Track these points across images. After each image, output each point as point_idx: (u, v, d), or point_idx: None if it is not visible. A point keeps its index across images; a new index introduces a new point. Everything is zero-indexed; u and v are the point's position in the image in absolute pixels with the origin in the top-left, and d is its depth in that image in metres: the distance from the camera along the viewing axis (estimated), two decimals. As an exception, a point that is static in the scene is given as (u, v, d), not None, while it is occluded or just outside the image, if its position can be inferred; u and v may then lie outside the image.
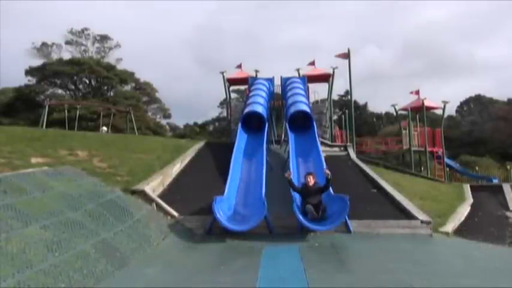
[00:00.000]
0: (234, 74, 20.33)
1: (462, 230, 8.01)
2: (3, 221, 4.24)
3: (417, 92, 22.08)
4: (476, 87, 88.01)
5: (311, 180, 7.32)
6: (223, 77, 19.72)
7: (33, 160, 7.89)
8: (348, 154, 13.32)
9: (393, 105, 22.19)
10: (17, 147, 8.71)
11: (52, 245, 4.27)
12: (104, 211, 5.87)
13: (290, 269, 4.86)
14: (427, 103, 21.44)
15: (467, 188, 14.00)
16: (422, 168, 21.67)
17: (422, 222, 7.07)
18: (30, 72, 41.11)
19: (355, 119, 21.27)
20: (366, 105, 53.15)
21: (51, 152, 8.96)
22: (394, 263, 5.23)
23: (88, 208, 5.72)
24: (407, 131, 21.26)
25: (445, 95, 78.41)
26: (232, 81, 20.42)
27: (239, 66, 20.66)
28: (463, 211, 9.77)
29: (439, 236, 7.08)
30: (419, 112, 22.36)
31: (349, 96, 24.54)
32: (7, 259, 3.65)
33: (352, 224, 6.95)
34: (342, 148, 14.25)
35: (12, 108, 39.56)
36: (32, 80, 41.71)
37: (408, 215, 7.43)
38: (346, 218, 6.74)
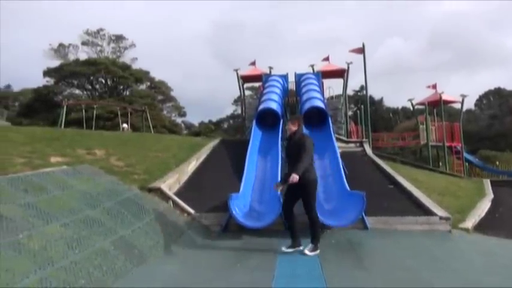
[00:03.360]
0: (248, 71, 20.35)
1: (482, 226, 7.83)
2: (24, 219, 4.34)
3: (434, 86, 21.73)
4: (497, 80, 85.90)
5: (291, 128, 5.64)
6: (237, 74, 19.77)
7: (53, 159, 8.05)
8: (364, 150, 13.18)
9: (410, 100, 21.89)
10: (37, 147, 8.89)
11: (72, 243, 4.35)
12: (122, 209, 5.95)
13: (307, 266, 4.84)
14: (444, 97, 21.09)
15: (487, 183, 13.69)
16: (440, 164, 21.33)
17: (441, 218, 6.94)
18: (48, 73, 41.98)
19: (370, 114, 21.09)
20: (381, 100, 52.53)
21: (69, 151, 9.13)
22: (412, 260, 5.17)
23: (106, 206, 5.80)
24: (424, 125, 20.93)
25: (472, 88, 75.69)
26: (246, 79, 20.44)
27: (253, 63, 20.66)
28: (484, 207, 9.55)
29: (458, 232, 6.95)
30: (437, 106, 21.99)
31: (364, 92, 24.30)
32: (29, 256, 3.73)
33: (369, 221, 6.88)
34: (358, 144, 14.11)
35: (31, 109, 40.51)
36: (50, 81, 42.62)
37: (426, 211, 7.31)
38: (363, 214, 6.68)
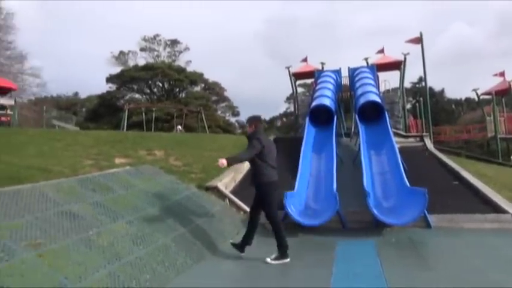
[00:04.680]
0: (300, 68, 20.17)
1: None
2: (94, 217, 4.65)
3: (502, 74, 20.17)
4: None
5: (248, 130, 5.39)
6: (289, 72, 19.68)
7: (117, 161, 8.54)
8: (425, 144, 12.58)
9: (474, 90, 20.51)
10: (103, 149, 9.48)
11: (136, 239, 4.59)
12: (181, 207, 6.18)
13: (366, 265, 4.71)
14: (514, 85, 19.49)
15: None
16: (511, 157, 19.76)
17: (513, 215, 6.45)
18: (110, 79, 44.65)
19: (431, 106, 20.03)
20: (442, 91, 49.67)
21: (132, 152, 9.63)
22: (480, 260, 4.84)
23: (166, 204, 6.05)
24: (491, 117, 19.50)
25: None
26: (298, 76, 20.28)
27: (305, 60, 20.44)
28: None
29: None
30: (505, 96, 20.39)
31: (423, 83, 23.14)
32: (99, 252, 3.99)
33: (432, 219, 6.55)
34: (418, 138, 13.49)
35: (97, 114, 43.32)
36: (112, 87, 45.29)
37: (496, 208, 6.82)
38: (425, 212, 6.37)
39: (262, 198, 5.05)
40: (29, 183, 5.00)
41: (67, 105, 49.06)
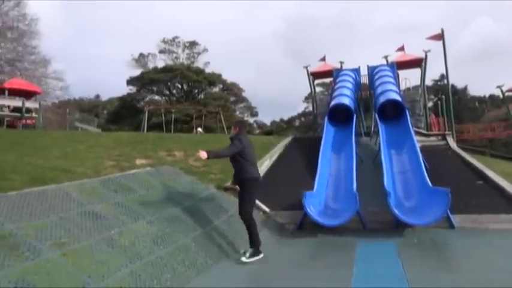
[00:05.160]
0: (318, 67, 20.05)
1: None
2: (116, 217, 4.74)
3: (528, 70, 19.53)
4: None
5: (232, 132, 5.68)
6: (307, 71, 19.59)
7: (138, 161, 8.66)
8: (447, 143, 12.29)
9: (499, 87, 19.97)
10: (124, 151, 9.64)
11: (157, 239, 4.65)
12: (201, 207, 6.23)
13: (387, 266, 4.65)
14: (541, 81, 18.85)
15: None
16: (538, 156, 19.13)
17: (541, 216, 6.24)
18: (130, 81, 45.44)
19: (453, 104, 19.58)
20: (465, 88, 48.52)
21: (152, 153, 9.76)
22: (506, 261, 4.69)
23: (186, 204, 6.11)
24: (517, 114, 18.94)
25: None
26: (316, 75, 20.16)
27: (323, 59, 20.30)
28: None
29: None
30: (531, 92, 19.77)
31: (445, 81, 22.64)
32: (121, 251, 4.06)
33: (456, 219, 6.41)
34: (440, 137, 13.20)
35: (118, 116, 44.16)
36: (132, 89, 46.09)
37: (523, 209, 6.61)
38: (449, 212, 6.23)
39: (242, 194, 5.28)
40: (54, 184, 5.13)
41: (89, 108, 50.18)
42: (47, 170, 6.63)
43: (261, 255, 5.01)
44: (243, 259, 4.92)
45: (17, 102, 21.98)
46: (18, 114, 21.62)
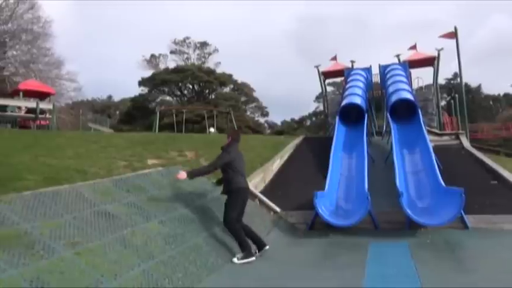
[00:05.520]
0: (329, 67, 19.95)
1: None
2: (128, 216, 4.78)
3: (544, 68, 19.15)
4: None
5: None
6: (318, 71, 19.52)
7: (150, 162, 8.73)
8: (461, 143, 12.15)
9: (513, 85, 19.54)
10: (136, 151, 9.72)
11: (169, 239, 4.68)
12: (212, 207, 6.24)
13: (400, 267, 4.60)
14: (558, 79, 18.45)
15: None
16: (555, 155, 18.76)
17: (558, 217, 6.12)
18: (142, 82, 45.81)
19: (467, 103, 19.30)
20: (479, 87, 47.77)
21: (163, 153, 9.82)
22: (524, 263, 4.62)
23: (197, 204, 6.13)
24: (533, 113, 18.57)
25: None
26: (327, 75, 20.07)
27: (334, 59, 20.19)
28: None
29: None
30: (548, 90, 19.36)
31: (458, 79, 22.33)
32: (133, 251, 4.10)
33: (470, 220, 6.32)
34: (453, 136, 13.04)
35: (130, 116, 44.58)
36: (144, 90, 46.43)
37: (539, 209, 6.49)
38: (462, 212, 6.15)
39: (228, 202, 5.31)
40: (67, 184, 5.20)
41: (102, 108, 50.78)
42: (61, 170, 6.72)
43: (253, 258, 5.02)
44: (234, 260, 4.97)
45: (31, 104, 22.31)
46: (32, 115, 21.94)
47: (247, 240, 5.17)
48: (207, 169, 5.54)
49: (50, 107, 23.27)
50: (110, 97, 58.96)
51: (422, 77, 19.58)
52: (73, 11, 74.14)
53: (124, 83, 76.02)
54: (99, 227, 4.23)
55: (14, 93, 23.91)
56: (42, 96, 24.26)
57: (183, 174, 5.22)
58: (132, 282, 3.55)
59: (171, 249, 4.49)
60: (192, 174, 5.37)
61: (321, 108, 28.70)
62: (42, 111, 22.48)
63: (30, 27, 32.75)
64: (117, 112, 53.86)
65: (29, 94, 23.62)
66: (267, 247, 5.27)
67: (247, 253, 5.05)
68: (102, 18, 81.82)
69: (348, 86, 14.45)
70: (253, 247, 5.21)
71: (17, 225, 3.63)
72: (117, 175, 6.38)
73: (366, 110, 12.01)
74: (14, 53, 33.33)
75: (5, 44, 32.13)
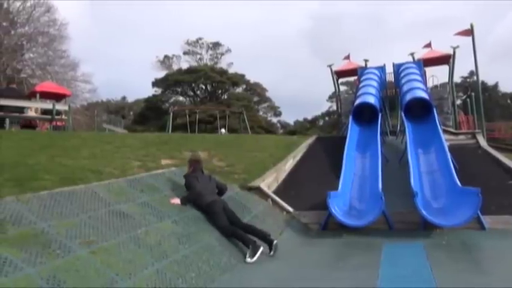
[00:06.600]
0: (342, 66, 19.79)
1: None
2: (142, 216, 4.83)
3: None
4: None
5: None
6: (331, 70, 19.39)
7: (163, 162, 8.80)
8: (477, 142, 11.92)
9: (532, 83, 19.10)
10: (150, 151, 9.81)
11: (182, 238, 4.71)
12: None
13: (414, 268, 4.54)
14: None
15: None
16: None
17: None
18: (156, 83, 46.27)
19: (483, 102, 18.94)
20: (496, 85, 46.85)
21: (177, 154, 9.88)
22: (543, 265, 4.51)
23: (211, 204, 6.15)
24: (552, 111, 18.13)
25: None
26: (340, 74, 19.92)
27: (347, 57, 20.03)
28: None
29: None
30: None
31: (474, 77, 21.95)
32: (147, 250, 4.14)
33: (487, 220, 6.20)
34: (470, 136, 12.81)
35: (144, 117, 45.05)
36: (158, 91, 46.88)
37: (559, 210, 6.34)
38: (479, 213, 6.04)
39: (208, 219, 5.56)
40: (83, 184, 5.27)
41: (116, 109, 51.38)
42: (76, 170, 6.83)
43: (261, 249, 5.09)
44: (248, 260, 4.98)
45: (47, 105, 22.68)
46: (48, 117, 22.31)
47: (247, 236, 5.27)
48: (191, 197, 5.75)
49: (66, 108, 23.61)
50: (124, 98, 59.66)
51: (437, 75, 19.29)
52: (87, 13, 75.32)
53: (138, 84, 77.00)
54: (113, 226, 4.29)
55: (31, 95, 24.37)
56: (58, 97, 24.63)
57: (176, 200, 5.62)
58: (146, 281, 3.58)
59: (184, 248, 4.52)
60: (184, 200, 5.65)
61: (334, 107, 28.57)
62: (58, 113, 22.82)
63: (46, 29, 33.28)
64: (131, 113, 54.45)
65: (45, 96, 24.00)
66: (276, 241, 5.32)
67: (253, 247, 5.07)
68: (116, 20, 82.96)
69: (361, 85, 14.32)
70: (264, 245, 5.22)
71: (34, 224, 3.70)
72: (131, 175, 6.45)
73: (380, 109, 11.88)
74: (31, 55, 33.92)
75: (23, 47, 32.71)
